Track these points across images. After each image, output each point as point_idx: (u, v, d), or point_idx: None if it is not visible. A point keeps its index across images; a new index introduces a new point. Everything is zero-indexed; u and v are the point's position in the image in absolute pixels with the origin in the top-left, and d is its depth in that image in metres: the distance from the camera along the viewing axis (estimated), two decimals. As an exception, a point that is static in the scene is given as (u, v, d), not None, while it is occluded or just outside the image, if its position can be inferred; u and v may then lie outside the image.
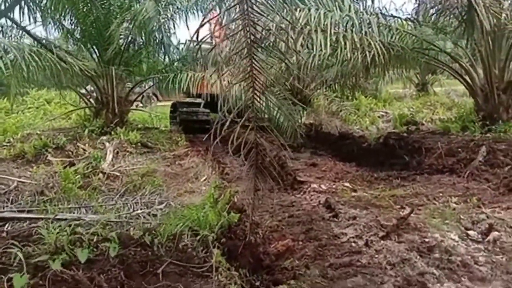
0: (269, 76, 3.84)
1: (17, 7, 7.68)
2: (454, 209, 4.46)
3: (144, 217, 4.51)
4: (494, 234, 3.65)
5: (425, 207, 4.60)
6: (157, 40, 9.83)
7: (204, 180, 6.29)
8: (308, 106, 12.11)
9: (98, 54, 9.60)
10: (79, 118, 10.52)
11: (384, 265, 3.19)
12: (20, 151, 7.34)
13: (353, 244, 3.66)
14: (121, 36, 8.95)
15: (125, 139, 8.27)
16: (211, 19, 3.35)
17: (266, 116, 7.41)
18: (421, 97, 17.47)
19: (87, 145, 7.90)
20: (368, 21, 6.45)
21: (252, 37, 2.88)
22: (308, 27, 6.08)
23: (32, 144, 7.54)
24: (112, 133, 8.65)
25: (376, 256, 3.36)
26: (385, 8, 7.75)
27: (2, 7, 6.87)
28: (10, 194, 5.33)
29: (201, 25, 2.80)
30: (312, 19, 6.01)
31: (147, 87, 12.61)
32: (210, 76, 7.39)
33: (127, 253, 2.93)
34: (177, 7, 9.13)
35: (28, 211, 4.72)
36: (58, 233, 3.27)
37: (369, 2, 7.39)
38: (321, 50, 6.38)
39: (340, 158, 8.04)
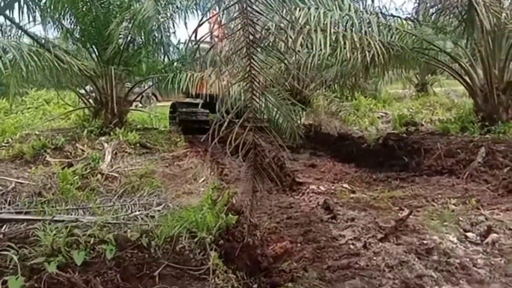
0: (268, 76, 3.82)
1: (17, 7, 7.66)
2: (453, 210, 4.45)
3: (142, 218, 4.50)
4: (493, 236, 3.64)
5: (423, 208, 4.60)
6: (157, 40, 9.79)
7: (203, 181, 6.27)
8: (307, 107, 12.09)
9: (97, 54, 9.56)
10: (78, 118, 10.48)
11: (382, 267, 3.19)
12: (19, 152, 7.31)
13: (351, 246, 3.65)
14: (121, 36, 8.91)
15: (124, 139, 8.24)
16: (209, 19, 3.34)
17: (265, 116, 7.40)
18: (420, 98, 17.44)
19: (85, 145, 7.87)
20: (368, 20, 6.43)
21: (251, 37, 2.86)
22: (307, 26, 6.06)
23: (30, 144, 7.51)
24: (111, 133, 8.62)
25: (374, 258, 3.36)
26: (385, 8, 7.77)
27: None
28: (8, 195, 5.30)
29: (199, 25, 2.79)
30: (312, 19, 5.98)
31: (146, 87, 12.58)
32: (209, 76, 7.39)
33: (124, 255, 2.91)
34: (177, 7, 9.09)
35: (26, 213, 4.70)
36: (55, 235, 3.25)
37: (369, 2, 7.37)
38: (320, 50, 6.36)
39: (339, 159, 8.03)
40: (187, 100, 11.73)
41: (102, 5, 8.97)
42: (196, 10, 9.27)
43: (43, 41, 8.60)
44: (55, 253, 2.89)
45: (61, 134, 8.39)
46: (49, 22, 8.92)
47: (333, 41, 6.36)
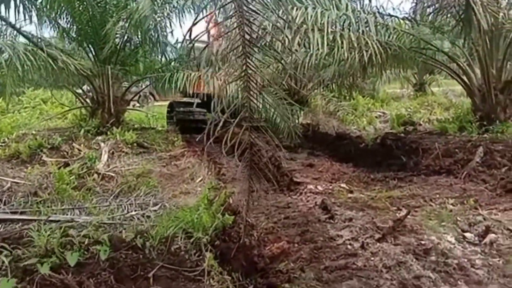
0: (265, 76, 3.80)
1: (13, 6, 7.62)
2: (451, 210, 4.43)
3: (138, 218, 4.47)
4: (491, 236, 3.62)
5: (421, 208, 4.58)
6: (154, 39, 9.75)
7: (200, 181, 6.25)
8: (305, 106, 12.08)
9: (94, 53, 9.53)
10: (75, 118, 10.45)
11: (380, 268, 3.16)
12: (15, 151, 7.28)
13: (349, 247, 3.63)
14: (117, 35, 8.89)
15: (121, 139, 8.21)
16: (204, 17, 3.30)
17: (263, 116, 7.38)
18: (418, 97, 17.46)
19: (82, 145, 7.84)
20: (365, 20, 6.41)
21: (246, 36, 2.83)
22: (305, 26, 6.04)
23: (27, 144, 7.48)
24: (108, 133, 8.59)
25: (372, 258, 3.33)
26: (383, 7, 7.69)
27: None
28: (4, 195, 5.27)
29: (194, 24, 2.75)
30: (309, 18, 5.96)
31: (143, 86, 12.55)
32: (206, 75, 7.35)
33: (118, 256, 2.87)
34: (173, 6, 9.06)
35: (21, 213, 4.67)
36: (49, 235, 3.22)
37: (366, 1, 7.35)
38: (318, 49, 6.34)
39: (337, 159, 8.01)
40: (185, 99, 11.70)
41: (99, 4, 8.93)
42: (193, 10, 9.24)
43: (38, 40, 8.55)
44: (49, 254, 2.86)
45: (57, 134, 8.35)
46: (45, 22, 8.88)
47: (331, 40, 6.34)
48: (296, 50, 6.99)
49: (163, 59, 10.95)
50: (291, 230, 4.12)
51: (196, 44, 3.40)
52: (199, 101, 10.45)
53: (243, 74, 2.94)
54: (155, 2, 8.15)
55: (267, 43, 4.40)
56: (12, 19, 7.87)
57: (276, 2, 3.63)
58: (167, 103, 13.48)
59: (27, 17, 7.98)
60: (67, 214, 4.62)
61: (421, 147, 7.03)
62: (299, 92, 11.82)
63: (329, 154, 8.68)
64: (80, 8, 8.82)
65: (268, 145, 3.19)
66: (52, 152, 7.42)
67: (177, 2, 9.05)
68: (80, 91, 10.98)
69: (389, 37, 7.40)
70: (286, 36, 5.20)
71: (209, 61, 3.59)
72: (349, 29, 6.31)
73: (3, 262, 2.74)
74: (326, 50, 6.50)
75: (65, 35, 9.66)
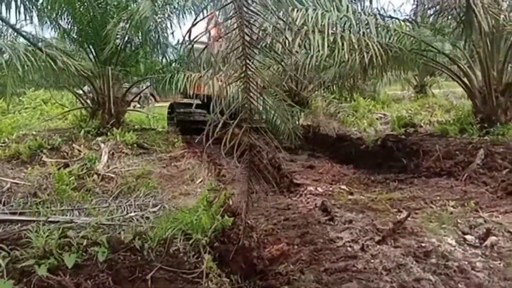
0: (266, 77, 3.79)
1: (13, 6, 7.63)
2: (451, 213, 4.41)
3: (137, 220, 4.45)
4: (492, 239, 3.60)
5: (422, 210, 4.56)
6: (154, 40, 9.75)
7: (200, 182, 6.23)
8: (306, 108, 12.07)
9: (94, 54, 9.53)
10: (75, 118, 10.44)
11: (380, 270, 3.15)
12: (15, 152, 7.26)
13: (349, 249, 3.61)
14: (118, 36, 8.88)
15: (121, 140, 8.20)
16: (204, 18, 3.30)
17: (263, 117, 7.36)
18: (419, 99, 17.43)
19: (82, 146, 7.83)
20: (366, 21, 6.40)
21: (246, 37, 2.82)
22: (305, 27, 6.03)
23: (27, 144, 7.46)
24: (108, 134, 8.58)
25: (372, 261, 3.31)
26: (383, 9, 7.70)
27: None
28: (3, 196, 5.25)
29: (193, 24, 2.74)
30: (310, 20, 5.95)
31: (144, 87, 12.55)
32: (206, 76, 7.34)
33: (116, 258, 2.86)
34: (174, 7, 9.06)
35: (20, 213, 4.65)
36: (47, 236, 3.20)
37: (367, 3, 7.34)
38: (318, 51, 6.33)
39: (337, 160, 8.01)
40: (185, 100, 11.69)
41: (99, 5, 8.93)
42: (194, 11, 9.25)
43: (38, 41, 8.56)
44: (47, 255, 2.84)
45: (58, 135, 8.34)
46: (46, 22, 8.88)
47: (331, 42, 6.34)
48: (297, 52, 6.99)
49: (164, 60, 10.95)
50: (291, 232, 4.11)
51: (197, 45, 3.40)
52: (200, 102, 10.44)
53: (242, 75, 2.93)
54: (156, 3, 8.14)
55: (268, 45, 4.40)
56: (13, 20, 7.90)
57: (276, 4, 3.62)
58: (167, 104, 13.47)
59: (27, 17, 8.03)
60: (66, 215, 4.60)
61: (422, 149, 7.01)
62: (299, 94, 11.81)
63: (330, 155, 8.67)
64: (81, 9, 8.82)
65: (269, 147, 3.18)
66: (52, 152, 7.40)
67: (177, 3, 9.06)
68: (80, 92, 10.98)
69: (389, 39, 7.39)
70: (286, 38, 5.20)
71: (209, 62, 3.58)
72: (349, 31, 6.31)
73: (0, 263, 2.72)
74: (327, 52, 6.50)
75: (66, 36, 9.66)
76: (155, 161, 7.53)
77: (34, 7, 8.19)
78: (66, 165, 6.55)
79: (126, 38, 9.28)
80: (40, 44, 8.41)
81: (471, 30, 7.06)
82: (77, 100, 11.05)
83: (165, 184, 6.09)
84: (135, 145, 8.23)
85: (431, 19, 8.06)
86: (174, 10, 9.14)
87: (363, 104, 15.49)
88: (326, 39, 6.01)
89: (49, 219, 4.15)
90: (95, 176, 6.11)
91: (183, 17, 9.19)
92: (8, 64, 7.35)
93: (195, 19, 3.04)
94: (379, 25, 7.02)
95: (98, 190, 5.68)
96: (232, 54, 2.95)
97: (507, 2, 7.34)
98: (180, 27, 9.39)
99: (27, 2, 7.92)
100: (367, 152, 8.24)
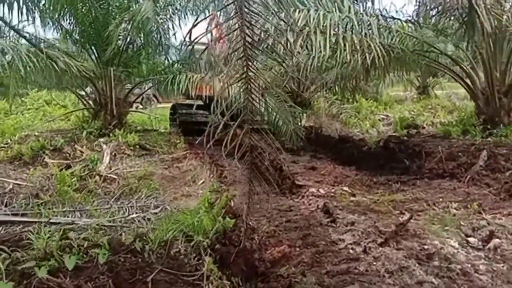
0: (268, 78, 3.79)
1: (16, 7, 7.66)
2: (454, 215, 4.39)
3: (138, 221, 4.44)
4: (495, 241, 3.58)
5: (424, 212, 4.54)
6: (156, 41, 9.76)
7: (202, 183, 6.22)
8: (308, 109, 12.05)
9: (96, 55, 9.54)
10: (77, 119, 10.46)
11: (382, 273, 3.13)
12: (18, 153, 7.28)
13: (351, 251, 3.59)
14: (120, 37, 8.89)
15: (123, 141, 8.20)
16: (204, 19, 3.29)
17: (265, 118, 7.36)
18: (422, 100, 17.41)
19: (84, 147, 7.83)
20: (368, 22, 6.38)
21: (248, 38, 2.81)
22: (307, 28, 6.02)
23: (29, 145, 7.48)
24: (110, 135, 8.58)
25: (374, 263, 3.29)
26: (385, 10, 7.68)
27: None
28: (5, 197, 5.26)
29: (194, 25, 2.73)
30: (311, 20, 5.94)
31: (146, 88, 12.56)
32: (209, 77, 7.34)
33: (117, 260, 2.84)
34: (176, 8, 9.06)
35: (22, 215, 4.65)
36: (48, 238, 3.20)
37: (369, 3, 7.32)
38: (320, 52, 6.32)
39: (339, 162, 7.98)
40: (188, 101, 11.68)
41: (101, 6, 8.94)
42: (196, 12, 9.26)
43: (39, 41, 8.58)
44: (48, 257, 2.83)
45: (60, 135, 8.35)
46: (48, 23, 8.90)
47: (333, 43, 6.33)
48: (299, 53, 6.98)
49: (166, 61, 10.95)
50: (293, 233, 4.09)
51: (199, 47, 3.39)
52: (202, 103, 10.44)
53: (244, 76, 2.92)
54: (158, 4, 8.15)
55: (269, 46, 4.38)
56: (15, 20, 7.93)
57: (278, 5, 3.61)
58: (170, 105, 13.48)
59: (30, 18, 8.06)
60: (68, 217, 4.60)
61: (424, 150, 6.98)
62: (301, 95, 11.80)
63: (332, 157, 8.65)
64: (83, 10, 8.84)
65: (270, 148, 3.17)
66: (55, 153, 7.41)
67: (179, 4, 9.06)
68: (83, 93, 10.99)
69: (392, 39, 7.38)
70: (287, 39, 5.19)
71: (211, 63, 3.58)
72: (351, 32, 6.30)
73: (3, 263, 2.71)
74: (329, 53, 6.49)
75: (68, 37, 9.68)
76: (157, 162, 7.53)
77: (36, 8, 8.21)
78: (68, 166, 6.55)
79: (128, 39, 9.30)
80: (42, 45, 8.41)
81: (473, 31, 7.03)
82: (80, 101, 11.07)
83: (167, 186, 6.08)
84: (137, 146, 8.23)
85: (433, 20, 8.03)
86: (176, 11, 9.14)
87: (366, 105, 15.47)
88: (328, 40, 6.00)
89: (51, 221, 4.15)
90: (97, 177, 6.11)
91: (185, 18, 9.19)
92: (10, 65, 7.35)
93: (195, 20, 3.03)
94: (381, 26, 7.01)
95: (100, 191, 5.67)
96: (233, 55, 2.94)
97: (510, 3, 7.32)
98: (181, 28, 9.39)
99: (29, 3, 7.94)
100: (369, 154, 8.21)
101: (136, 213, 4.79)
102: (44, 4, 8.33)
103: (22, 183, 5.82)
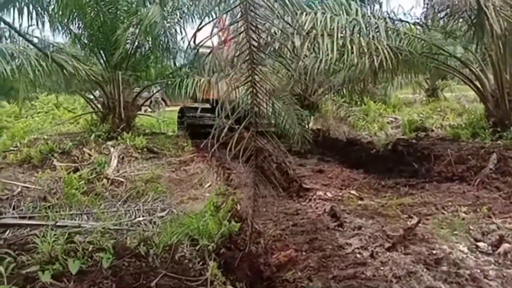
0: (275, 81, 3.77)
1: (26, 12, 7.72)
2: (463, 219, 4.32)
3: (145, 224, 4.45)
4: (505, 246, 3.51)
5: (433, 216, 4.47)
6: (164, 45, 9.80)
7: (209, 186, 6.22)
8: (315, 112, 12.01)
9: (105, 59, 9.61)
10: (86, 123, 10.54)
11: (390, 278, 3.08)
12: (27, 156, 7.34)
13: (358, 256, 3.55)
14: (128, 41, 8.95)
15: (131, 144, 8.24)
16: (209, 22, 3.28)
17: (272, 121, 7.34)
18: (431, 103, 17.24)
19: (93, 150, 7.88)
20: (375, 25, 6.34)
21: (253, 42, 2.80)
22: (314, 31, 6.00)
23: (38, 149, 7.54)
24: (118, 138, 8.63)
25: (382, 268, 3.25)
26: (393, 12, 7.62)
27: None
28: (13, 200, 5.31)
29: (199, 29, 2.73)
30: (318, 23, 5.92)
31: (154, 91, 12.62)
32: (215, 81, 7.35)
33: (121, 264, 2.84)
34: (183, 12, 9.10)
35: (30, 218, 4.69)
36: (54, 241, 3.20)
37: (376, 6, 7.28)
38: (327, 54, 6.28)
39: (347, 165, 7.91)
40: (195, 105, 11.71)
41: (109, 11, 9.00)
42: (204, 16, 9.27)
43: (49, 46, 8.66)
44: (52, 261, 2.83)
45: (69, 139, 8.42)
46: (57, 28, 8.98)
47: (340, 46, 6.28)
48: (306, 56, 6.95)
49: (174, 65, 11.00)
50: (299, 237, 4.05)
51: (206, 50, 3.38)
52: (209, 107, 10.45)
53: (249, 79, 2.91)
54: (165, 9, 8.18)
55: (276, 49, 4.36)
56: (25, 25, 8.01)
57: (284, 8, 3.59)
58: (178, 108, 13.52)
59: (39, 23, 8.14)
60: (75, 220, 4.62)
61: (433, 153, 6.90)
62: (309, 98, 11.77)
63: (340, 160, 8.58)
64: (92, 14, 8.90)
65: (278, 151, 3.15)
66: (63, 157, 7.47)
67: (187, 8, 9.09)
68: (91, 96, 11.07)
69: (400, 42, 7.31)
70: (293, 42, 5.17)
71: (217, 66, 3.57)
72: (359, 34, 6.25)
73: (6, 268, 2.72)
74: (336, 56, 6.44)
75: (77, 41, 9.75)
76: (165, 165, 7.55)
77: (45, 12, 8.29)
78: (76, 169, 6.60)
79: (136, 43, 9.35)
80: (51, 49, 8.49)
81: (482, 33, 6.94)
82: (88, 104, 11.15)
83: (173, 189, 6.09)
84: (145, 149, 8.27)
85: (441, 22, 7.95)
86: (184, 15, 9.17)
87: (374, 108, 15.37)
88: (335, 43, 5.97)
89: (57, 224, 4.16)
90: (105, 181, 6.15)
91: (192, 21, 9.22)
92: (19, 69, 7.43)
93: (199, 24, 3.03)
94: (389, 29, 6.95)
95: (107, 194, 5.71)
96: (239, 58, 2.93)
97: (520, 4, 7.22)
98: (186, 32, 9.43)
99: (39, 8, 8.02)
100: (377, 157, 8.13)
101: (143, 216, 4.80)
102: (53, 9, 8.40)
103: (30, 186, 5.87)
